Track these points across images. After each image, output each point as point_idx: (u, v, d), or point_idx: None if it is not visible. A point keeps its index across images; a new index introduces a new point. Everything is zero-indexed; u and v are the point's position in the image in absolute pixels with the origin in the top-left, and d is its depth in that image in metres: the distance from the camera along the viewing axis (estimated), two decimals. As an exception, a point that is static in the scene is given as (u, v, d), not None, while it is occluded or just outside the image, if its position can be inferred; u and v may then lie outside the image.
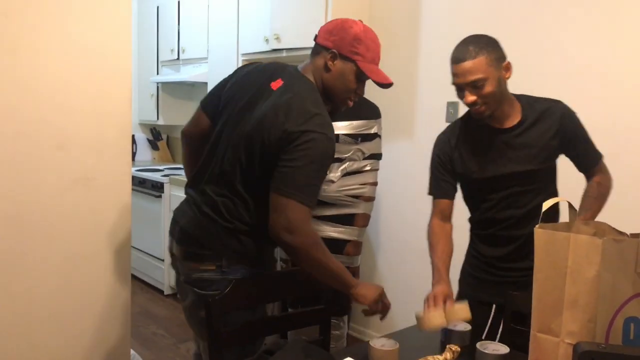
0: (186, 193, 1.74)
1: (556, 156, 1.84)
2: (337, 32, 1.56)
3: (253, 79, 1.64)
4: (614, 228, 1.44)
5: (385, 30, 3.24)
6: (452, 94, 2.90)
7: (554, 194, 1.87)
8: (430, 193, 1.91)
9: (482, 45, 1.70)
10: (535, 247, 1.33)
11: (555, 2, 2.51)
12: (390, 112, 3.16)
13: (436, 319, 1.51)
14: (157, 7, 4.68)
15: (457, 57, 1.71)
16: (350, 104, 1.64)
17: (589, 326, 1.22)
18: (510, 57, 1.84)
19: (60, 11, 1.99)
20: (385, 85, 1.63)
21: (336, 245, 2.49)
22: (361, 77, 1.60)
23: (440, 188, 1.88)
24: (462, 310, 1.54)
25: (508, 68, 1.74)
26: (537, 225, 1.34)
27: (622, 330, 1.22)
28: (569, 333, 1.25)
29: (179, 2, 4.43)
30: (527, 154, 1.78)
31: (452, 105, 2.92)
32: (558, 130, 1.77)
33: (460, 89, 1.75)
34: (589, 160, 1.83)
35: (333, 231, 2.48)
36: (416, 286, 3.16)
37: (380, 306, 1.62)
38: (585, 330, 1.22)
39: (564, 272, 1.27)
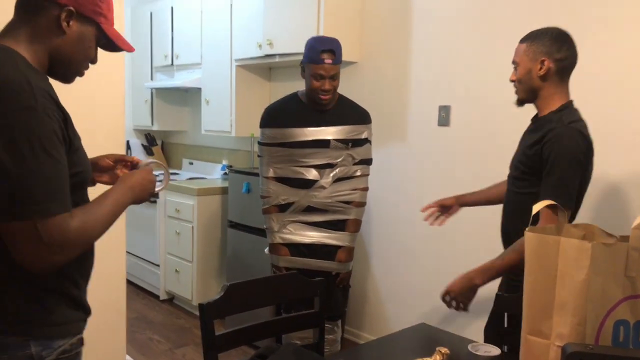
0: None
1: (534, 173, 1.79)
2: None
3: None
4: (603, 230, 1.45)
5: (378, 34, 3.26)
6: (444, 98, 2.95)
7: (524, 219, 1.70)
8: None
9: (535, 35, 1.82)
10: (526, 250, 1.34)
11: (549, 1, 2.53)
12: (382, 116, 3.18)
13: None
14: (151, 14, 4.68)
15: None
16: (84, 73, 1.27)
17: (578, 329, 1.23)
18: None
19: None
20: (129, 51, 1.32)
21: (328, 252, 2.50)
22: (100, 42, 1.26)
23: None
24: None
25: (543, 64, 1.79)
26: (527, 229, 1.35)
27: (611, 333, 1.23)
28: (559, 336, 1.26)
29: (172, 8, 4.44)
30: (519, 152, 1.90)
31: (443, 109, 2.94)
32: (538, 142, 1.76)
33: None
34: (542, 193, 1.73)
35: (324, 237, 2.48)
36: (410, 290, 3.17)
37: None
38: (575, 333, 1.23)
39: (554, 275, 1.28)
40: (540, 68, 1.78)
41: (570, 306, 1.24)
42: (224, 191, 3.91)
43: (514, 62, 1.86)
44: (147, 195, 1.30)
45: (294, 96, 2.54)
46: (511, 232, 1.89)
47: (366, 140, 2.51)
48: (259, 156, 2.58)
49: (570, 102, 1.83)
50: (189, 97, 4.85)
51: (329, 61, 2.35)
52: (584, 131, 1.75)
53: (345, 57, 3.27)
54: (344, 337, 3.00)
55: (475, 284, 1.74)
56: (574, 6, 2.43)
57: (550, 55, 1.78)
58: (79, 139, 1.19)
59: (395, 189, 3.22)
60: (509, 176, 1.94)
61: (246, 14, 3.68)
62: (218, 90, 3.99)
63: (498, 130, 2.72)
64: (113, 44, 1.26)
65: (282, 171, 2.48)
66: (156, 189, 1.33)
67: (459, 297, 1.76)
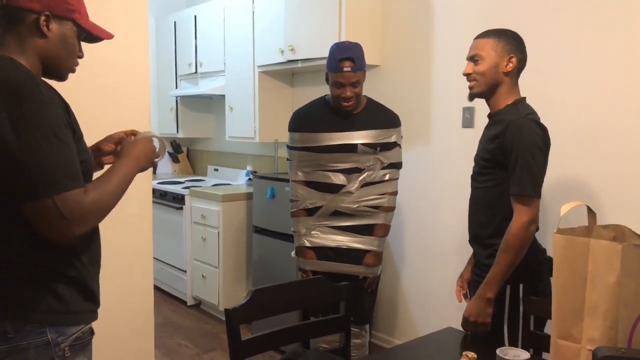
0: None
1: (496, 166, 1.84)
2: None
3: None
4: (634, 231, 1.42)
5: (399, 37, 3.25)
6: (467, 99, 2.92)
7: (494, 213, 1.88)
8: None
9: (498, 33, 1.88)
10: (554, 252, 1.32)
11: (572, 1, 2.49)
12: (405, 118, 3.15)
13: None
14: (174, 23, 4.76)
15: (477, 35, 1.93)
16: (75, 69, 1.34)
17: (610, 333, 1.20)
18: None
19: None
20: (108, 38, 1.38)
21: (355, 256, 2.49)
22: (81, 37, 1.34)
23: None
24: None
25: (511, 61, 1.85)
26: (555, 230, 1.33)
27: (644, 336, 1.21)
28: (590, 339, 1.24)
29: (195, 17, 4.50)
30: (480, 148, 1.95)
31: (467, 111, 2.92)
32: (498, 135, 1.81)
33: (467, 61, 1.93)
34: (510, 186, 1.79)
35: (352, 241, 2.48)
36: (436, 294, 3.14)
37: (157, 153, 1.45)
38: (607, 336, 1.21)
39: (584, 277, 1.26)
40: (507, 64, 1.84)
41: (601, 309, 1.22)
42: (248, 197, 3.94)
43: (475, 56, 1.87)
44: (150, 164, 1.42)
45: (321, 100, 2.55)
46: (476, 226, 1.96)
47: (395, 144, 2.49)
48: (287, 159, 2.60)
49: (523, 98, 1.90)
50: (213, 104, 4.90)
51: (348, 69, 2.34)
52: (539, 121, 1.84)
53: (367, 60, 3.26)
54: (372, 342, 2.99)
55: (488, 298, 1.78)
56: (594, 5, 2.39)
57: (517, 53, 1.85)
58: (80, 129, 1.29)
59: (419, 192, 3.20)
60: (472, 174, 1.98)
61: (268, 20, 3.71)
62: (241, 97, 4.03)
63: (524, 130, 2.68)
64: (92, 36, 1.35)
65: (309, 175, 2.48)
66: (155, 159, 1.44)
67: (480, 317, 1.79)
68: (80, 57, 1.35)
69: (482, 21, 2.83)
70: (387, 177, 2.48)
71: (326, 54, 3.31)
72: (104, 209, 1.23)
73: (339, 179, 2.44)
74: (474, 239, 1.99)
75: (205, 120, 4.96)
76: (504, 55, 1.84)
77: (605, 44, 2.40)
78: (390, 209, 2.52)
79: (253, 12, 3.84)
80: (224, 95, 4.25)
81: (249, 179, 4.28)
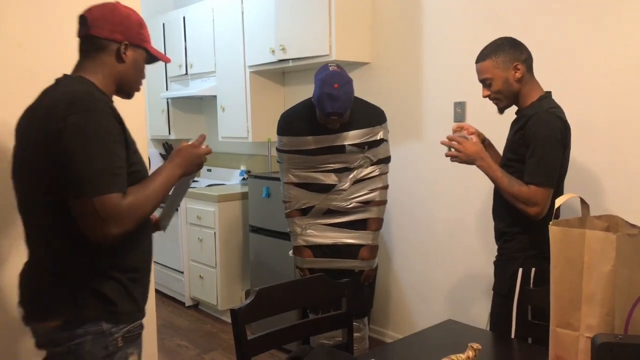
0: None
1: (521, 159, 1.92)
2: (120, 22, 1.49)
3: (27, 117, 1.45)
4: (626, 221, 1.47)
5: (389, 34, 3.28)
6: (459, 94, 2.96)
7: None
8: None
9: (492, 49, 1.97)
10: (551, 244, 1.36)
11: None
12: (397, 113, 3.20)
13: None
14: (163, 24, 4.75)
15: (476, 59, 2.01)
16: (140, 89, 1.60)
17: (607, 320, 1.25)
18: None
19: (74, 38, 2.05)
20: (168, 61, 1.70)
21: (351, 251, 2.53)
22: (148, 62, 1.61)
23: None
24: None
25: (517, 69, 1.94)
26: (551, 222, 1.37)
27: (640, 322, 1.25)
28: (588, 327, 1.28)
29: (184, 18, 4.50)
30: (507, 142, 2.03)
31: (459, 105, 2.96)
32: (522, 127, 1.91)
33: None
34: (525, 174, 1.88)
35: (347, 237, 2.52)
36: (430, 287, 3.19)
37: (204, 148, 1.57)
38: (604, 323, 1.25)
39: (580, 267, 1.30)
40: (515, 72, 1.93)
41: (598, 297, 1.26)
42: (244, 196, 3.96)
43: (485, 80, 1.97)
44: (197, 167, 1.55)
45: (308, 102, 2.54)
46: (500, 214, 2.04)
47: (382, 140, 2.52)
48: (278, 162, 2.62)
49: (547, 93, 1.98)
50: (204, 104, 4.91)
51: (335, 123, 2.37)
52: (562, 116, 1.91)
53: (357, 58, 3.31)
54: (369, 335, 3.03)
55: (474, 164, 1.96)
56: (581, 2, 2.44)
57: (518, 59, 1.94)
58: (134, 143, 1.47)
59: (413, 187, 3.24)
60: (500, 167, 2.04)
61: (258, 20, 3.72)
62: (233, 97, 4.04)
63: (514, 123, 2.72)
64: (156, 59, 1.62)
65: (300, 177, 2.51)
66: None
67: (461, 154, 1.97)
68: (144, 78, 1.59)
69: (472, 16, 2.87)
70: (377, 172, 2.51)
71: (317, 53, 3.35)
72: (140, 213, 1.36)
73: (330, 178, 2.47)
74: (497, 229, 2.08)
75: (196, 121, 4.97)
76: (508, 67, 1.93)
77: (591, 34, 2.44)
78: (382, 202, 2.56)
79: (242, 13, 3.85)
80: (215, 96, 4.26)
81: (243, 179, 4.30)
